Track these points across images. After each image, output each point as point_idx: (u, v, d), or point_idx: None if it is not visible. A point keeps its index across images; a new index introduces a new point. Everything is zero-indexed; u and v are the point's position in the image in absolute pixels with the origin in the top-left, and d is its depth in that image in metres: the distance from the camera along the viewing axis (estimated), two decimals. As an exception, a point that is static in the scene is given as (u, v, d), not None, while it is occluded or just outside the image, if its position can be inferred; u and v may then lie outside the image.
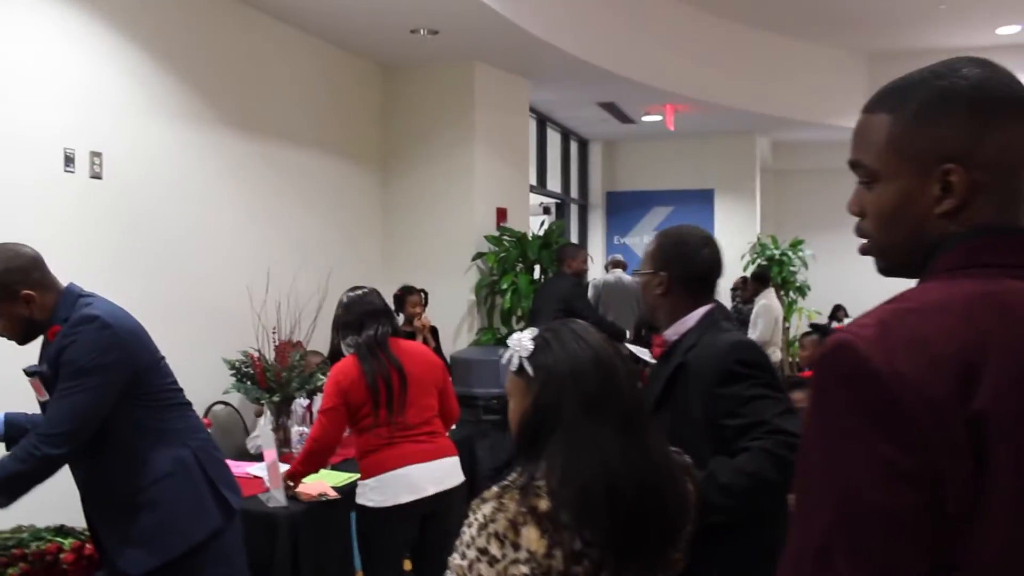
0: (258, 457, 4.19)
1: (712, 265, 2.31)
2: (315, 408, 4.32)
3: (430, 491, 3.35)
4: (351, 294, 3.56)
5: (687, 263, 2.28)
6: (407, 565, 3.62)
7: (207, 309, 5.06)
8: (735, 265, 10.47)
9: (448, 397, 3.61)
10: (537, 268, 7.33)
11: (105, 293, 2.88)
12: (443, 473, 3.42)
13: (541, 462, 1.61)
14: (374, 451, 3.35)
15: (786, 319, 10.40)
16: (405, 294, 5.95)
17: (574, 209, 11.56)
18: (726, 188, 11.70)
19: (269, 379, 4.22)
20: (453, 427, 3.86)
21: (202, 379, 4.84)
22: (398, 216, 7.20)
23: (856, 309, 12.61)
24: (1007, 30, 10.08)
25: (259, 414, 4.79)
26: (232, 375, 4.29)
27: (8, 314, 2.49)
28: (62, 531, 2.90)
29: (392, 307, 5.94)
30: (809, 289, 11.47)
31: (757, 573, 1.78)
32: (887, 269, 1.21)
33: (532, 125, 8.96)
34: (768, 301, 8.28)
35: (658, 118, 10.03)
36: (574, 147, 11.38)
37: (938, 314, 1.01)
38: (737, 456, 1.99)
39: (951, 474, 0.92)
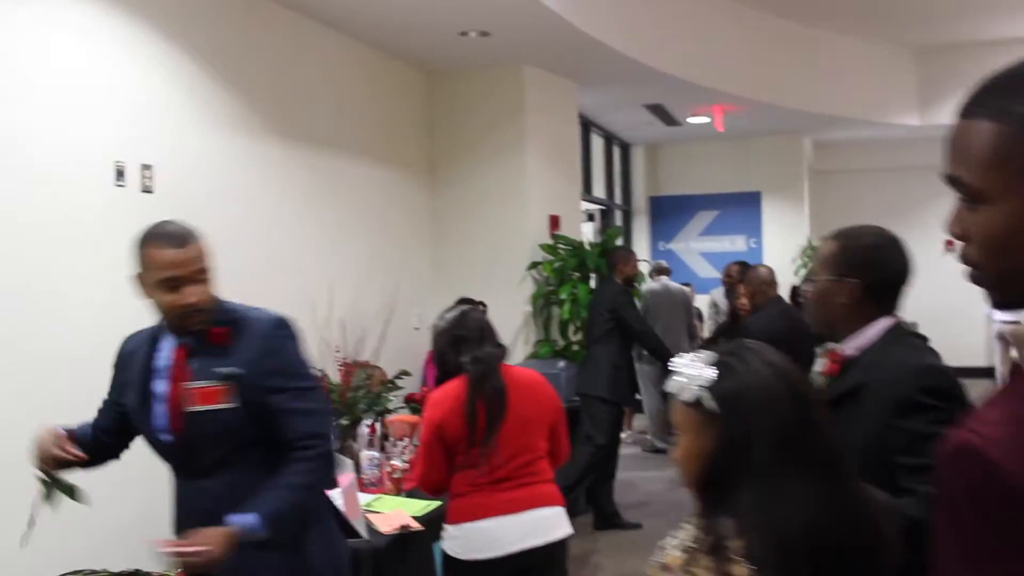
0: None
1: (907, 272, 2.08)
2: (380, 430, 4.09)
3: (517, 548, 2.96)
4: (460, 308, 3.26)
5: (882, 269, 2.04)
6: None
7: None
8: (787, 270, 10.18)
9: (559, 436, 3.19)
10: (595, 277, 7.06)
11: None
12: (539, 526, 3.02)
13: (729, 516, 1.36)
14: (461, 495, 3.02)
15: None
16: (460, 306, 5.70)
17: (618, 215, 11.28)
18: (773, 190, 11.38)
19: (335, 400, 3.98)
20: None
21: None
22: (448, 225, 6.97)
23: (906, 312, 12.30)
24: (1062, 17, 9.73)
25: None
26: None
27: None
28: (139, 576, 2.68)
29: None
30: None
31: None
32: (1004, 303, 0.98)
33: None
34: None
35: (704, 120, 9.75)
36: (616, 152, 11.11)
37: None
38: (901, 497, 1.74)
39: None
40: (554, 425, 3.16)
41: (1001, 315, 1.12)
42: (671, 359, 1.47)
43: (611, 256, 6.61)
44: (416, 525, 3.27)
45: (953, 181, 1.01)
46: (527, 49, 6.47)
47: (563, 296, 6.67)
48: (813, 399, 1.45)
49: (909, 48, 10.46)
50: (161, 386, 2.34)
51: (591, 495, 6.23)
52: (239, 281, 4.71)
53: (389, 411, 4.27)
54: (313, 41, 5.55)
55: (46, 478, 2.37)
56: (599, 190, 10.38)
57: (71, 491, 2.39)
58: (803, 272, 10.28)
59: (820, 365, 2.08)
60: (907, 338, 2.00)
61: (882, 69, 10.30)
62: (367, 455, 3.94)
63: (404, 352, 5.89)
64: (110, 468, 2.60)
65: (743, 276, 7.31)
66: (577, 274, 6.86)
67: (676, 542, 1.43)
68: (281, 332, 2.37)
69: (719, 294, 9.26)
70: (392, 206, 6.43)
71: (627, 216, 11.56)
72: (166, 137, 4.32)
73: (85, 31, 3.89)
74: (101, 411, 2.53)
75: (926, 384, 1.83)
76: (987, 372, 13.48)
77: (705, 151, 11.40)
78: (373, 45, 6.14)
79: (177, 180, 4.36)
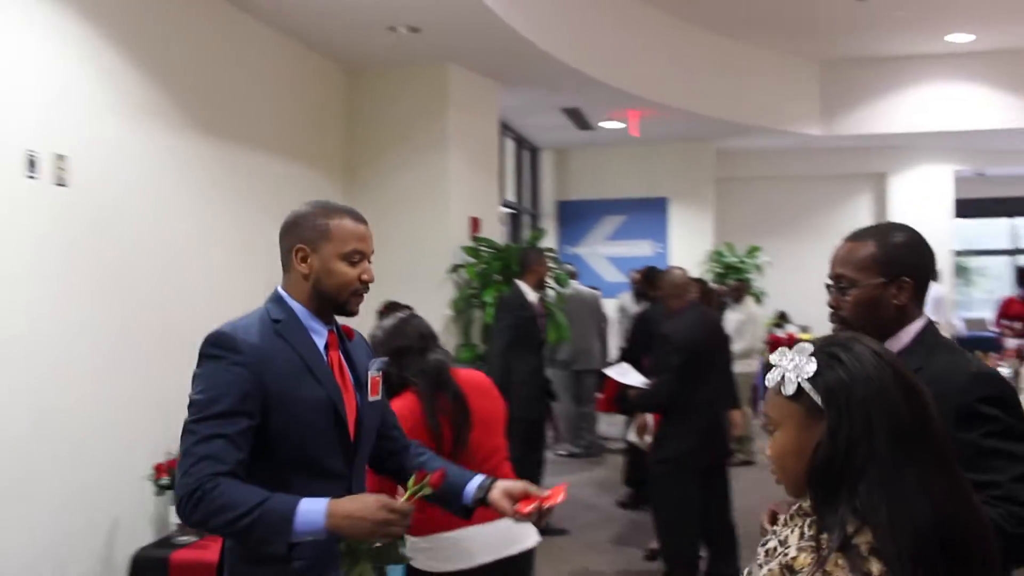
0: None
1: (936, 266, 2.05)
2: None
3: (490, 558, 2.82)
4: (397, 316, 3.07)
5: (925, 266, 1.97)
6: None
7: (199, 329, 4.54)
8: (693, 275, 10.29)
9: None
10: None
11: (80, 318, 2.39)
12: (511, 535, 2.86)
13: (850, 511, 1.29)
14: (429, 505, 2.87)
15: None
16: (390, 311, 5.50)
17: (526, 220, 11.23)
18: (680, 196, 11.50)
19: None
20: None
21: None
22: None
23: (800, 316, 12.66)
24: (957, 38, 10.15)
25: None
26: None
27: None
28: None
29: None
30: (767, 296, 11.41)
31: None
32: None
33: (494, 131, 8.60)
34: (753, 310, 8.13)
35: (618, 124, 9.79)
36: (526, 156, 11.05)
37: None
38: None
39: None
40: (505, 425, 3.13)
41: None
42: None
43: (525, 256, 6.34)
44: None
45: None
46: (455, 47, 6.33)
47: (487, 299, 6.53)
48: (920, 389, 1.38)
49: (814, 61, 10.74)
50: (335, 376, 2.13)
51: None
52: (166, 278, 4.49)
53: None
54: (236, 30, 5.28)
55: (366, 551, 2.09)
56: (509, 194, 10.29)
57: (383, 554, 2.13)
58: (708, 276, 10.45)
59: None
60: (943, 339, 1.94)
61: (788, 80, 10.55)
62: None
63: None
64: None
65: (651, 281, 7.31)
66: (500, 277, 6.73)
67: (788, 544, 1.35)
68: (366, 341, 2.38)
69: (627, 298, 9.30)
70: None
71: (535, 220, 11.51)
72: (82, 126, 4.01)
73: (-3, 8, 3.57)
74: (234, 444, 1.95)
75: (985, 393, 1.77)
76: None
77: (614, 156, 11.45)
78: (296, 37, 5.89)
79: (93, 172, 4.05)
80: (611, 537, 6.23)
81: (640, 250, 11.61)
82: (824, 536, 1.30)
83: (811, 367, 1.37)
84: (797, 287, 12.92)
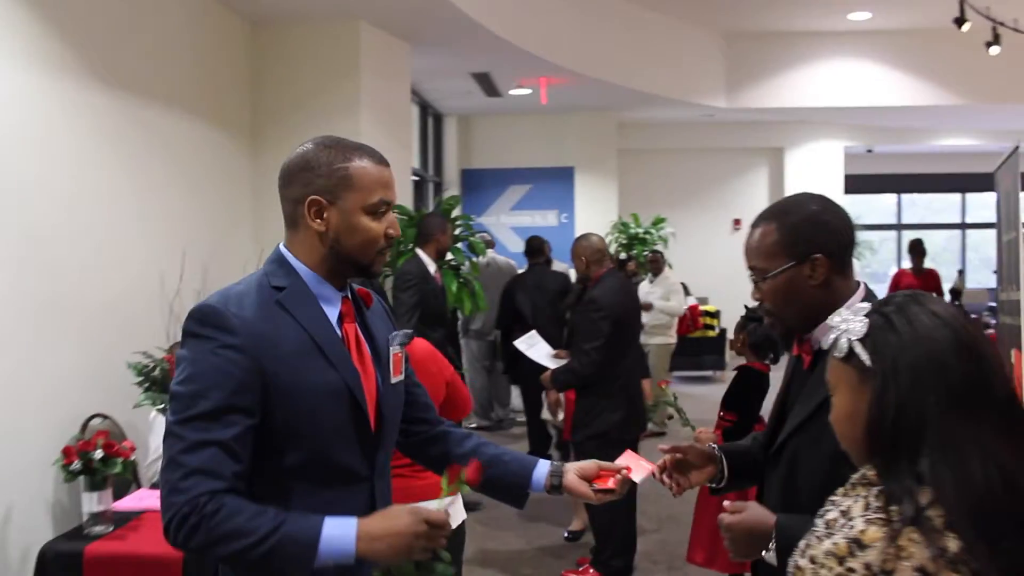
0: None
1: (853, 228, 1.85)
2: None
3: None
4: None
5: (836, 233, 1.79)
6: None
7: (93, 303, 4.17)
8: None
9: (457, 389, 3.15)
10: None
11: None
12: (456, 509, 2.70)
13: (916, 480, 1.22)
14: None
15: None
16: None
17: (430, 188, 10.98)
18: (586, 166, 11.44)
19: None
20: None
21: (80, 388, 4.00)
22: (272, 192, 6.35)
23: (699, 288, 12.82)
24: (858, 16, 10.34)
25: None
26: (140, 383, 3.48)
27: None
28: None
29: None
30: (671, 267, 11.45)
31: None
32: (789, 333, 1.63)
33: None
34: (672, 281, 8.12)
35: (527, 91, 9.62)
36: (430, 122, 10.79)
37: None
38: None
39: None
40: (449, 383, 3.06)
41: None
42: None
43: (427, 224, 5.96)
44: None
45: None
46: (365, 2, 6.03)
47: (402, 268, 6.28)
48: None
49: (720, 33, 10.79)
50: (352, 355, 1.75)
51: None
52: (52, 252, 4.09)
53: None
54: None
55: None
56: (413, 161, 10.02)
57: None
58: (613, 247, 10.43)
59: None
60: None
61: (695, 52, 10.57)
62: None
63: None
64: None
65: (534, 250, 7.22)
66: (413, 245, 6.49)
67: (852, 515, 1.25)
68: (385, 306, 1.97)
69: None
70: (208, 168, 5.79)
71: (438, 188, 11.28)
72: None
73: None
74: (229, 453, 1.59)
75: None
76: (771, 346, 14.33)
77: (519, 125, 11.29)
78: (197, -15, 5.50)
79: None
80: (523, 513, 6.12)
81: (545, 220, 11.52)
82: (893, 508, 1.21)
83: (861, 328, 1.33)
84: (697, 259, 13.11)
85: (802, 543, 1.34)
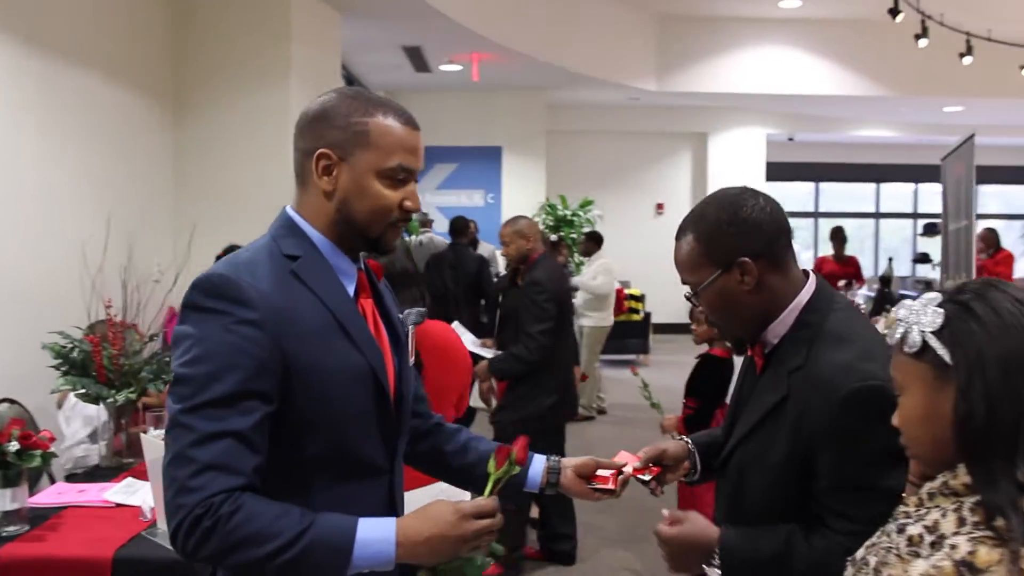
0: (91, 476, 3.16)
1: (779, 213, 1.67)
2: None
3: None
4: None
5: (765, 228, 1.62)
6: None
7: (4, 277, 3.84)
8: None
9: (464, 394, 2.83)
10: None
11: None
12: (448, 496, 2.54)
13: (1016, 489, 1.10)
14: None
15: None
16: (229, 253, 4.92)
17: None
18: (514, 146, 11.29)
19: (108, 369, 3.19)
20: None
21: None
22: (195, 163, 6.05)
23: (623, 272, 12.81)
24: (789, 3, 10.39)
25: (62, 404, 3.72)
26: (58, 366, 3.19)
27: None
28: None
29: None
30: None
31: None
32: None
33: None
34: (607, 261, 8.01)
35: (457, 68, 9.40)
36: (356, 96, 10.48)
37: None
38: (823, 535, 1.54)
39: None
40: (464, 387, 2.74)
41: None
42: None
43: None
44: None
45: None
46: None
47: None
48: None
49: (653, 15, 10.72)
50: (371, 331, 1.55)
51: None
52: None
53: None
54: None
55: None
56: (339, 135, 9.74)
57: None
58: (542, 229, 10.30)
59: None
60: (834, 321, 1.62)
61: (628, 33, 10.49)
62: (154, 437, 3.19)
63: (144, 310, 5.00)
64: None
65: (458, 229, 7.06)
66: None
67: (940, 531, 1.12)
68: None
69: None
70: (127, 134, 5.44)
71: (363, 165, 11.00)
72: None
73: None
74: (248, 444, 1.38)
75: (857, 407, 1.50)
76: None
77: (448, 102, 11.05)
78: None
79: None
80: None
81: (471, 200, 11.34)
82: (998, 523, 1.07)
83: (937, 319, 1.19)
84: (621, 243, 13.08)
85: (869, 558, 1.22)
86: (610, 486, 1.75)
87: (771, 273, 1.63)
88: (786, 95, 11.58)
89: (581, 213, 11.06)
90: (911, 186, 16.59)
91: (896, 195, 16.62)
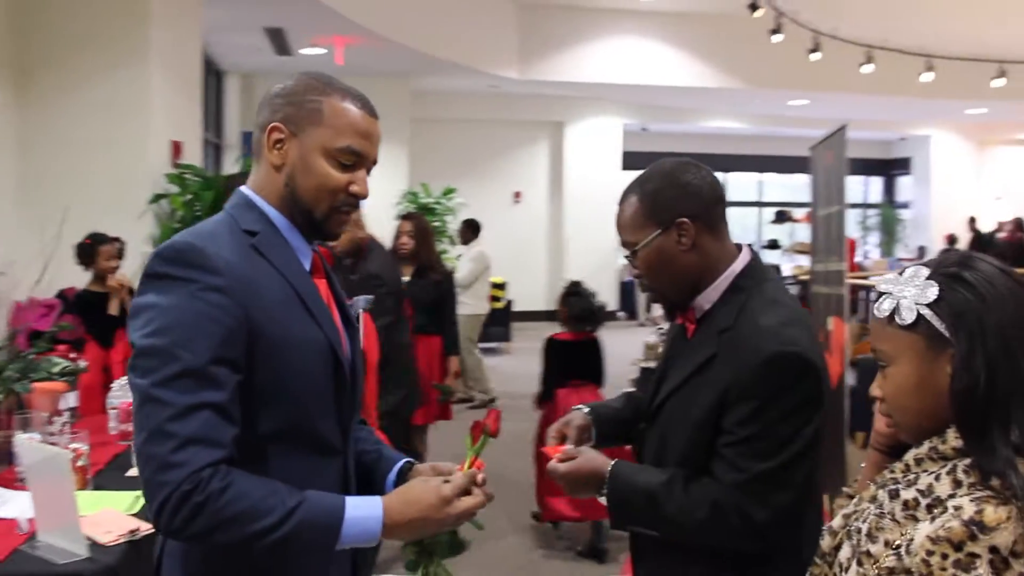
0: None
1: (718, 184, 1.79)
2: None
3: None
4: None
5: (697, 192, 1.72)
6: None
7: None
8: (389, 213, 10.01)
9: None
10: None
11: None
12: None
13: (1013, 451, 1.14)
14: None
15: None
16: (96, 243, 4.63)
17: (210, 150, 10.25)
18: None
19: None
20: None
21: None
22: (41, 146, 5.64)
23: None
24: (648, -5, 10.64)
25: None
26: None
27: None
28: None
29: (79, 260, 4.64)
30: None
31: None
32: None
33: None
34: (482, 249, 7.98)
35: (321, 51, 9.16)
36: (211, 79, 10.04)
37: None
38: (701, 483, 1.65)
39: None
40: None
41: None
42: None
43: (237, 185, 5.54)
44: (146, 526, 2.46)
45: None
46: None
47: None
48: None
49: (515, 3, 10.75)
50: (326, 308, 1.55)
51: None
52: None
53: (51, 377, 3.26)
54: None
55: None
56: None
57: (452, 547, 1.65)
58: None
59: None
60: (767, 289, 1.74)
61: (491, 20, 10.50)
62: (28, 439, 2.95)
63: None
64: None
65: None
66: (211, 209, 5.97)
67: (936, 493, 1.16)
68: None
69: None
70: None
71: (218, 150, 10.56)
72: None
73: None
74: (224, 415, 1.35)
75: (774, 369, 1.61)
76: (552, 315, 14.63)
77: (307, 87, 10.76)
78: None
79: None
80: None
81: (333, 188, 11.09)
82: (995, 483, 1.11)
83: (932, 292, 1.21)
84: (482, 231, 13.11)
85: (859, 524, 1.25)
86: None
87: (707, 236, 1.73)
88: (643, 86, 11.85)
89: (444, 201, 11.01)
90: (756, 176, 17.35)
91: (742, 184, 17.33)
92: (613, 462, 1.72)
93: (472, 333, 7.99)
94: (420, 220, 5.41)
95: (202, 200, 5.88)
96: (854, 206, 17.21)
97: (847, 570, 1.24)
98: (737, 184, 17.24)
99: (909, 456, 1.25)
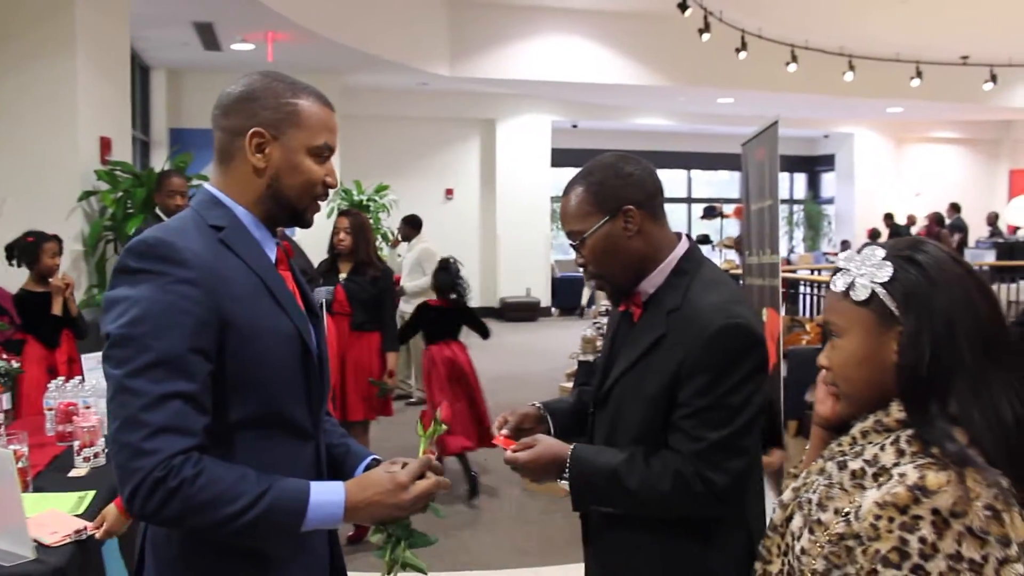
0: None
1: (656, 177, 1.87)
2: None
3: None
4: None
5: (640, 181, 1.80)
6: None
7: None
8: (322, 210, 9.92)
9: None
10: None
11: None
12: None
13: (950, 423, 1.22)
14: None
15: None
16: (40, 241, 4.51)
17: (137, 147, 10.03)
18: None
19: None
20: None
21: None
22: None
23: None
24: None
25: None
26: None
27: None
28: None
29: (16, 261, 4.53)
30: (393, 235, 11.32)
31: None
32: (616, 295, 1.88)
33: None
34: (428, 246, 7.93)
35: (250, 47, 9.03)
36: (137, 74, 9.82)
37: None
38: (661, 456, 1.71)
39: None
40: None
41: None
42: None
43: (164, 181, 5.22)
44: (92, 526, 2.43)
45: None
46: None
47: (131, 233, 5.65)
48: (988, 284, 1.32)
49: (444, 0, 10.74)
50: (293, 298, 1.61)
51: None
52: None
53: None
54: None
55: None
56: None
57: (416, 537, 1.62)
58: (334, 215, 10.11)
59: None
60: (707, 271, 1.83)
61: (421, 17, 10.47)
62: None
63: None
64: None
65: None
66: (140, 207, 5.86)
67: (881, 463, 1.24)
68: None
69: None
70: None
71: (146, 147, 10.35)
72: None
73: None
74: (196, 404, 1.40)
75: (724, 345, 1.69)
76: (485, 311, 14.65)
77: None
78: None
79: None
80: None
81: (263, 185, 10.94)
82: (935, 451, 1.20)
83: (886, 271, 1.29)
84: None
85: (809, 495, 1.32)
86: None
87: (650, 223, 1.81)
88: (574, 83, 11.94)
89: (377, 198, 10.95)
90: (685, 172, 17.61)
91: (672, 181, 17.57)
92: (572, 446, 1.78)
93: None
94: (358, 217, 5.39)
95: (134, 197, 5.78)
96: (782, 202, 17.60)
97: (799, 539, 1.31)
98: (666, 180, 17.21)
99: (855, 429, 1.32)
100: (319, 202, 1.63)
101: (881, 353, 1.28)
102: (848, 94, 12.51)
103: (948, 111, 15.43)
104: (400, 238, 8.64)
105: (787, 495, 1.41)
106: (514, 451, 1.79)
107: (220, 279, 1.45)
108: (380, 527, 1.56)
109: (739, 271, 6.40)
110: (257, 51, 9.13)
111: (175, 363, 1.37)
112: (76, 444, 3.05)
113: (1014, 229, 15.37)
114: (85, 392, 3.42)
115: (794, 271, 11.48)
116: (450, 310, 5.52)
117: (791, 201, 18.26)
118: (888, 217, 14.96)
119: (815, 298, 9.49)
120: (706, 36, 9.16)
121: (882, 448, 1.26)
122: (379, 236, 10.71)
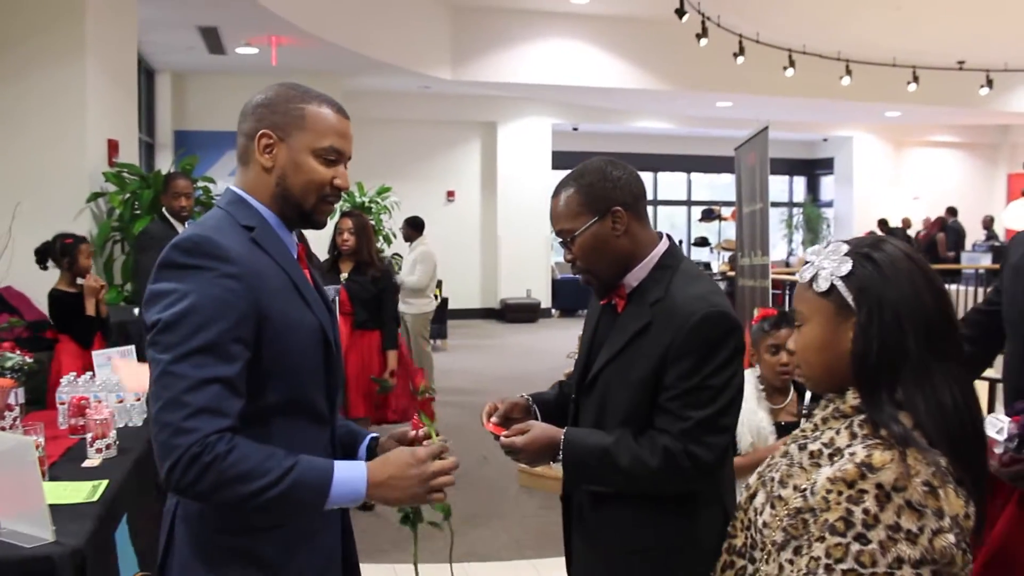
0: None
1: (640, 179, 2.00)
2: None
3: None
4: None
5: (626, 183, 1.93)
6: None
7: None
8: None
9: None
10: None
11: None
12: None
13: (896, 409, 1.35)
14: None
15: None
16: (78, 242, 4.65)
17: (143, 149, 10.16)
18: (311, 133, 11.10)
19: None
20: None
21: None
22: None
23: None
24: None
25: None
26: None
27: None
28: None
29: (59, 262, 4.63)
30: (395, 237, 11.44)
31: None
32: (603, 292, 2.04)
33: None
34: (427, 248, 8.05)
35: (254, 51, 9.16)
36: (142, 77, 9.96)
37: None
38: (649, 436, 1.84)
39: None
40: None
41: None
42: None
43: (170, 183, 5.39)
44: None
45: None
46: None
47: (138, 233, 5.76)
48: (940, 281, 1.44)
49: (448, 5, 10.86)
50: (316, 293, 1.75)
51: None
52: None
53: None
54: None
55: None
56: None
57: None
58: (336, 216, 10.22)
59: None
60: (686, 265, 1.97)
61: (424, 21, 10.59)
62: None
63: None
64: None
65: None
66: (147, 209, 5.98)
67: (836, 444, 1.37)
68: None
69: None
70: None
71: (151, 149, 10.48)
72: None
73: None
74: (233, 389, 1.53)
75: (707, 333, 1.82)
76: (486, 313, 14.81)
77: (242, 86, 10.54)
78: None
79: None
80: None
81: (266, 188, 11.05)
82: (884, 434, 1.33)
83: (846, 266, 1.41)
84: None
85: (772, 475, 1.46)
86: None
87: (635, 223, 1.95)
88: (574, 87, 12.07)
89: (379, 200, 11.07)
90: (684, 175, 17.73)
91: (671, 183, 17.70)
92: (565, 429, 1.91)
93: (424, 331, 8.11)
94: (360, 218, 5.51)
95: (141, 199, 5.90)
96: (778, 205, 17.72)
97: (761, 513, 1.45)
98: (666, 183, 17.61)
99: (816, 417, 1.47)
100: (329, 203, 1.74)
101: (838, 341, 1.41)
102: (845, 98, 12.63)
103: (945, 115, 15.56)
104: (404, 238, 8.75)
105: (753, 478, 1.55)
106: (508, 436, 1.90)
107: (257, 275, 1.59)
108: (409, 513, 1.75)
109: (734, 272, 6.51)
110: (261, 55, 9.26)
111: (218, 350, 1.50)
112: (89, 436, 3.18)
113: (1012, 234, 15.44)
114: (96, 387, 3.56)
115: (793, 273, 11.60)
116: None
117: (790, 204, 18.38)
118: (883, 223, 15.06)
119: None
120: (704, 41, 9.28)
121: (838, 432, 1.39)
122: (380, 238, 10.86)
